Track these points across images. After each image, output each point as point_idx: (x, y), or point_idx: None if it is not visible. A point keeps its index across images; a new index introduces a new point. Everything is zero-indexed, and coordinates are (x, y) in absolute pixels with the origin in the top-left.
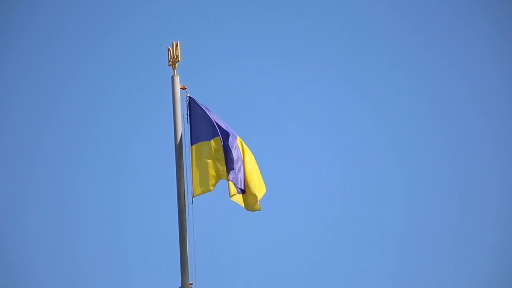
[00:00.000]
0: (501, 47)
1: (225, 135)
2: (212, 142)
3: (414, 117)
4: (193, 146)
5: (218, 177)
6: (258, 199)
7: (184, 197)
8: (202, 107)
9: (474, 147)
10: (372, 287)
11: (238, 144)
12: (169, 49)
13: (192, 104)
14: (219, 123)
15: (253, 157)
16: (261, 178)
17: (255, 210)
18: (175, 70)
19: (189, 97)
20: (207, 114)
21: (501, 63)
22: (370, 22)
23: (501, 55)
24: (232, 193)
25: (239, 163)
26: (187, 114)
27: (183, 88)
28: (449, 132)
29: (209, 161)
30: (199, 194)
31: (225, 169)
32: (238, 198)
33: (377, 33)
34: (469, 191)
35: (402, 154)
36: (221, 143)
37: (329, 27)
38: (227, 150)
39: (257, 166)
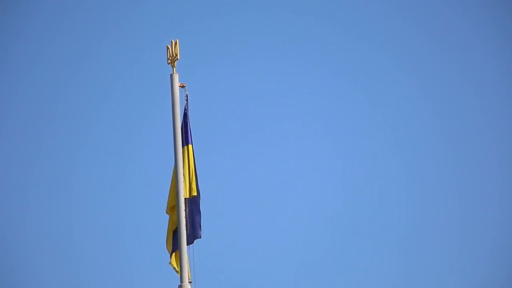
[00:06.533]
0: (502, 46)
1: None
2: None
3: (414, 116)
4: (185, 147)
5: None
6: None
7: (183, 196)
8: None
9: (476, 147)
10: (373, 287)
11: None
12: (168, 47)
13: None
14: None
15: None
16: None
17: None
18: (174, 68)
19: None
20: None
21: (502, 63)
22: (370, 21)
23: (502, 55)
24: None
25: None
26: (185, 112)
27: (182, 86)
28: (450, 132)
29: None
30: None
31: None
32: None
33: (377, 33)
34: (470, 190)
35: (403, 154)
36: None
37: (329, 25)
38: None
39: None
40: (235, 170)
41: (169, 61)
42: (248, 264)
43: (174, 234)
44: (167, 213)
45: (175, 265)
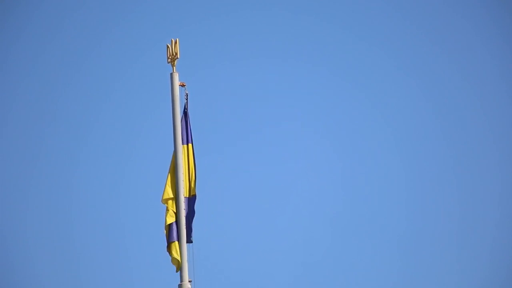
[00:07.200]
0: (502, 46)
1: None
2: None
3: (414, 116)
4: (184, 146)
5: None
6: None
7: (183, 196)
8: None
9: (476, 147)
10: (373, 287)
11: None
12: (168, 46)
13: (188, 103)
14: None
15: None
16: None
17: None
18: (174, 67)
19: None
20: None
21: (502, 63)
22: (370, 21)
23: (502, 55)
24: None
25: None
26: (184, 111)
27: (182, 85)
28: (450, 132)
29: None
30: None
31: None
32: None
33: (377, 33)
34: (470, 190)
35: (403, 154)
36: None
37: (329, 25)
38: None
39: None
40: (235, 170)
41: (169, 60)
42: (248, 264)
43: (169, 228)
44: (162, 202)
45: (175, 255)
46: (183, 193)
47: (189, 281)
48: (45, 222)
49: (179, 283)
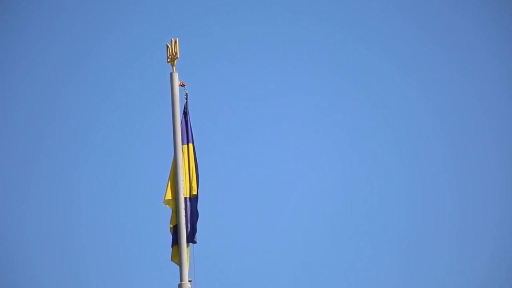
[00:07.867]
0: (502, 46)
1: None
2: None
3: (414, 116)
4: (185, 146)
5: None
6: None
7: (183, 195)
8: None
9: (476, 147)
10: (373, 287)
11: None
12: (168, 46)
13: (188, 102)
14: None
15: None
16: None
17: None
18: (174, 67)
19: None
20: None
21: (502, 63)
22: (370, 21)
23: (502, 55)
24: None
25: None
26: (184, 111)
27: (182, 85)
28: (450, 132)
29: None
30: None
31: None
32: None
33: (377, 33)
34: (470, 190)
35: (403, 154)
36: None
37: (329, 25)
38: None
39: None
40: (235, 170)
41: (168, 59)
42: (248, 264)
43: (174, 229)
44: (164, 203)
45: (173, 259)
46: (183, 193)
47: (189, 281)
48: (45, 222)
49: (179, 283)
